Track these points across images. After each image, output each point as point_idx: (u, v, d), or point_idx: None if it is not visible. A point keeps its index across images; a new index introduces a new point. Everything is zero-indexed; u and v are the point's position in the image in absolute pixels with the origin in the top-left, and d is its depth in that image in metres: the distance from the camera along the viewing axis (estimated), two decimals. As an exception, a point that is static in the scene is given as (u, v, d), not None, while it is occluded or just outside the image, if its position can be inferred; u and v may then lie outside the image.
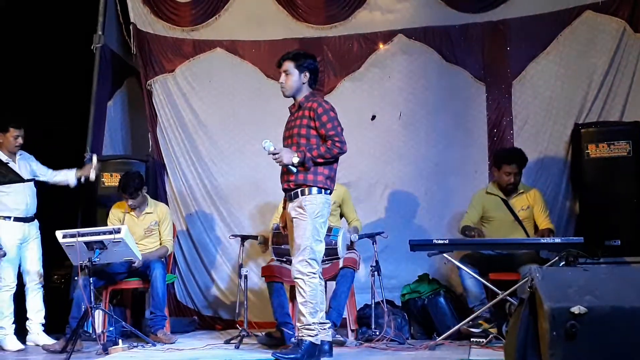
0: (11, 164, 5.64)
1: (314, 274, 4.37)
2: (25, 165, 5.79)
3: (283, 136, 4.64)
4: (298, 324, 4.45)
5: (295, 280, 4.40)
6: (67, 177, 5.92)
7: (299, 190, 4.44)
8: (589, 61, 6.25)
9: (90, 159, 5.99)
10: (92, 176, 5.90)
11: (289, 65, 4.55)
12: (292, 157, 4.39)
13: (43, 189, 5.88)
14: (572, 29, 6.32)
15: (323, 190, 4.45)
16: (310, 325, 4.32)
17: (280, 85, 4.59)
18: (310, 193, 4.41)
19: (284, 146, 4.55)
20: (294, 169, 4.41)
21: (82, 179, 5.96)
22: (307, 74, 4.56)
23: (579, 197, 6.06)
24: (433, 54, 6.60)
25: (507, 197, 5.57)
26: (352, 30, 6.79)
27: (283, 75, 4.57)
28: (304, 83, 4.56)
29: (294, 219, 4.44)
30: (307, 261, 4.35)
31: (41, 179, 5.86)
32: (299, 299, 4.39)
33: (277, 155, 4.41)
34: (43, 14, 6.73)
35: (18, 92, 6.40)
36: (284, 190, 4.57)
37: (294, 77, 4.54)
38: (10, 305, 5.56)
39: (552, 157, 6.29)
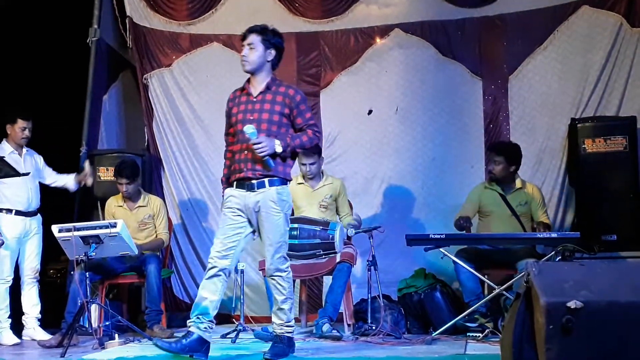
0: (14, 157, 5.63)
1: (289, 269, 4.29)
2: (31, 160, 5.78)
3: (237, 119, 4.20)
4: (277, 321, 4.29)
5: (273, 277, 4.22)
6: (67, 181, 5.95)
7: (265, 180, 4.13)
8: (586, 56, 6.27)
9: (84, 162, 6.00)
10: (89, 182, 6.01)
11: (254, 38, 4.17)
12: (275, 146, 4.08)
13: (40, 183, 5.87)
14: (568, 24, 6.33)
15: (287, 182, 4.27)
16: (290, 321, 4.29)
17: (242, 59, 4.19)
18: (279, 184, 4.16)
19: (242, 133, 4.15)
20: (271, 162, 4.10)
21: (82, 184, 6.03)
22: (273, 52, 4.20)
23: (576, 192, 6.08)
24: (430, 49, 6.61)
25: (505, 192, 5.57)
26: (349, 24, 6.78)
27: (246, 48, 4.17)
28: (268, 61, 4.20)
29: (263, 215, 4.13)
30: (284, 257, 4.22)
31: (44, 181, 5.87)
32: (278, 296, 4.24)
33: (261, 146, 4.03)
34: (38, 8, 6.70)
35: (12, 86, 6.37)
36: (244, 179, 4.15)
37: (258, 51, 4.16)
38: (6, 299, 5.55)
39: (548, 152, 6.31)
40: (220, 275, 4.13)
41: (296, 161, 5.77)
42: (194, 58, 7.00)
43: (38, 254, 5.75)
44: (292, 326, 4.32)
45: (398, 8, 6.73)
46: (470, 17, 6.55)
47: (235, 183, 4.19)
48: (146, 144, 7.04)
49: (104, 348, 4.89)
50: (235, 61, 6.82)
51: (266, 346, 4.82)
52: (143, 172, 6.32)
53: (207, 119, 6.91)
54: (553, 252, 4.76)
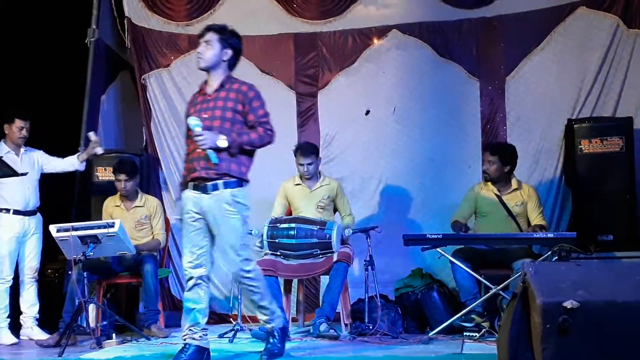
0: (11, 157, 5.63)
1: (255, 267, 4.22)
2: (29, 160, 5.78)
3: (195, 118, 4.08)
4: (263, 318, 4.28)
5: (243, 281, 4.13)
6: (72, 162, 5.89)
7: (219, 182, 4.02)
8: (583, 57, 6.28)
9: (88, 139, 5.89)
10: (100, 150, 5.79)
11: (211, 36, 4.13)
12: (218, 140, 3.96)
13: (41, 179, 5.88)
14: (565, 25, 6.34)
15: (244, 183, 4.12)
16: (275, 312, 4.26)
17: (197, 55, 4.17)
18: (235, 186, 4.04)
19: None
20: (214, 156, 3.97)
21: (90, 158, 5.93)
22: (230, 52, 4.15)
23: (572, 193, 6.09)
24: (427, 50, 6.62)
25: (501, 192, 5.58)
26: (347, 25, 6.79)
27: (203, 45, 4.13)
28: (224, 60, 4.15)
29: (219, 218, 4.02)
30: (247, 259, 4.11)
31: (47, 170, 5.85)
32: (253, 296, 4.18)
33: (201, 137, 3.93)
34: (36, 8, 6.70)
35: (10, 86, 6.37)
36: (198, 179, 4.05)
37: (214, 50, 4.11)
38: (5, 299, 5.56)
39: (545, 152, 6.32)
40: (200, 283, 4.08)
41: (295, 162, 5.84)
42: (192, 59, 6.95)
43: (37, 253, 5.75)
44: (280, 316, 4.30)
45: (396, 9, 6.74)
46: (467, 18, 6.56)
47: (190, 184, 4.10)
48: (144, 144, 7.04)
49: (101, 347, 4.90)
50: (233, 62, 6.90)
51: (263, 345, 4.84)
52: (141, 172, 6.33)
53: (205, 119, 6.90)
54: (549, 252, 4.77)
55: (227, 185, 4.02)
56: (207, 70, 4.18)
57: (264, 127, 4.10)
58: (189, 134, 4.15)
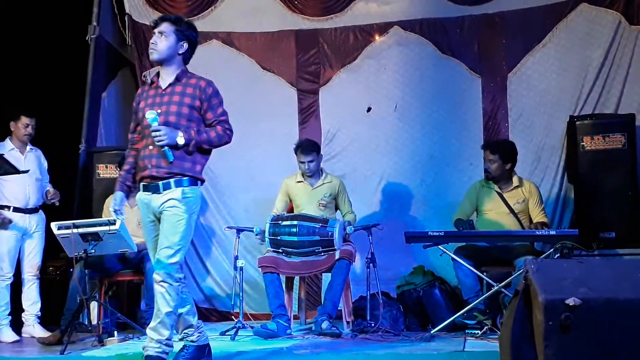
0: (15, 154, 5.63)
1: (183, 280, 3.85)
2: (34, 158, 5.78)
3: (144, 114, 3.85)
4: (156, 337, 3.76)
5: (160, 284, 3.73)
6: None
7: (171, 180, 3.80)
8: (585, 54, 6.28)
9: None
10: (56, 203, 5.79)
11: (167, 27, 3.89)
12: (177, 137, 3.76)
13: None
14: (567, 22, 6.34)
15: (199, 182, 3.92)
16: (171, 339, 3.82)
17: (151, 46, 3.89)
18: (188, 184, 3.83)
19: (149, 128, 3.82)
20: (171, 154, 3.77)
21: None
22: (185, 45, 3.94)
23: (574, 190, 6.08)
24: (429, 46, 6.61)
25: (502, 190, 5.57)
26: (348, 22, 6.79)
27: (157, 35, 3.88)
28: (179, 53, 3.93)
29: (164, 214, 3.80)
30: (180, 264, 3.78)
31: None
32: (163, 307, 3.73)
33: (159, 133, 3.72)
34: (37, 6, 6.68)
35: (12, 84, 6.36)
36: (147, 178, 3.85)
37: (169, 42, 3.87)
38: (6, 296, 5.55)
39: (547, 149, 6.32)
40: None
41: (296, 159, 5.84)
42: (193, 56, 6.96)
43: (39, 251, 5.75)
44: (172, 346, 3.85)
45: (397, 5, 6.74)
46: (469, 14, 6.56)
47: (142, 185, 3.90)
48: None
49: (103, 345, 4.90)
50: (235, 58, 6.91)
51: (265, 343, 4.85)
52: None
53: (205, 117, 6.89)
54: (551, 250, 4.76)
55: (179, 184, 3.81)
56: (161, 62, 3.93)
57: (223, 127, 3.92)
58: (138, 129, 3.99)
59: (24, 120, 5.70)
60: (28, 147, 5.78)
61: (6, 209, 5.60)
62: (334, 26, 6.80)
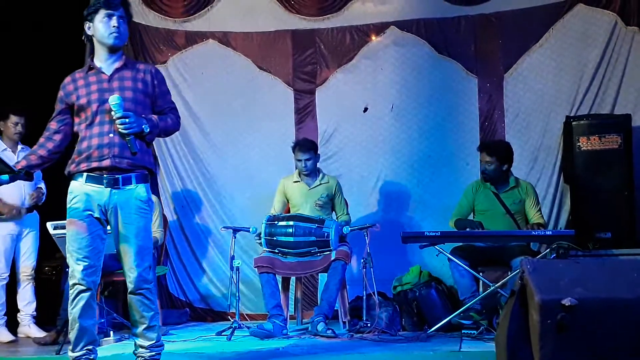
0: (7, 154, 5.61)
1: (154, 279, 3.75)
2: None
3: (90, 99, 3.56)
4: (147, 343, 3.64)
5: (140, 291, 3.56)
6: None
7: (132, 175, 3.56)
8: (581, 54, 6.29)
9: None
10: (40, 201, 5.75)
11: (125, 12, 3.70)
12: (143, 125, 3.52)
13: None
14: (564, 22, 6.35)
15: (150, 178, 3.69)
16: (160, 339, 3.72)
17: (114, 30, 3.58)
18: (147, 181, 3.63)
19: (101, 114, 3.54)
20: (136, 143, 3.52)
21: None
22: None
23: (570, 190, 6.09)
24: (425, 46, 6.61)
25: (498, 190, 5.57)
26: (345, 22, 6.78)
27: (120, 19, 3.61)
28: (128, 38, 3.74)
29: (126, 214, 3.54)
30: (150, 265, 3.61)
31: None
32: (147, 312, 3.58)
33: (127, 120, 3.45)
34: (33, 4, 6.66)
35: (5, 83, 6.34)
36: (102, 169, 3.51)
37: (126, 26, 3.69)
38: (2, 296, 5.55)
39: (543, 149, 6.33)
40: (94, 294, 3.60)
41: (293, 158, 5.84)
42: (190, 55, 6.99)
43: (34, 251, 5.74)
44: (163, 345, 3.74)
45: (394, 6, 6.73)
46: (465, 14, 6.56)
47: (85, 175, 3.53)
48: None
49: (99, 345, 4.87)
50: (231, 58, 6.91)
51: (262, 343, 4.85)
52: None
53: (202, 116, 6.90)
54: (548, 250, 4.77)
55: (139, 180, 3.58)
56: (117, 48, 3.66)
57: (175, 114, 3.74)
58: (81, 116, 3.59)
59: (13, 118, 5.68)
60: (20, 146, 5.75)
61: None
62: (331, 26, 6.80)
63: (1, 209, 5.55)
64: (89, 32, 3.66)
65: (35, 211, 5.77)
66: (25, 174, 3.55)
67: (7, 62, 6.39)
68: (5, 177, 3.46)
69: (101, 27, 3.60)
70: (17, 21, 6.61)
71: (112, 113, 3.50)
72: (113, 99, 3.48)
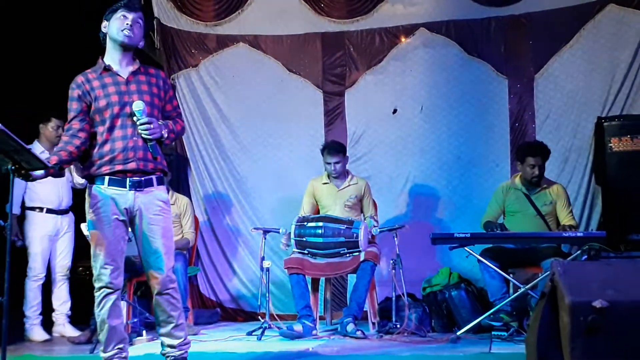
0: (45, 156, 5.68)
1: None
2: None
3: (109, 102, 3.55)
4: (175, 342, 3.66)
5: (167, 291, 3.61)
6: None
7: (153, 177, 3.63)
8: (613, 54, 6.23)
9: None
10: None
11: (142, 17, 3.69)
12: (163, 130, 3.60)
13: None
14: (595, 23, 6.29)
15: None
16: (187, 338, 3.73)
17: (128, 29, 3.59)
18: (165, 182, 3.72)
19: (122, 117, 3.56)
20: (158, 148, 3.61)
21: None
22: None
23: (602, 191, 6.04)
24: (455, 48, 6.60)
25: (529, 192, 5.55)
26: (374, 24, 6.79)
27: (136, 22, 3.63)
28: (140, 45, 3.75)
29: (150, 216, 3.60)
30: (173, 267, 3.70)
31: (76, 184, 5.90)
32: (174, 312, 3.63)
33: (151, 126, 3.51)
34: (68, 11, 6.76)
35: (42, 88, 6.45)
36: (126, 172, 3.55)
37: (142, 32, 3.70)
38: (38, 296, 5.65)
39: (574, 150, 6.28)
40: (119, 296, 3.64)
41: (322, 160, 5.87)
42: (221, 58, 7.05)
43: (69, 252, 5.84)
44: (189, 342, 3.76)
45: (423, 7, 6.73)
46: (495, 16, 6.53)
47: (107, 178, 3.55)
48: (173, 143, 7.10)
49: (132, 344, 4.94)
50: (261, 61, 6.96)
51: (291, 343, 4.88)
52: (171, 171, 6.39)
53: (233, 119, 6.96)
54: (579, 252, 4.74)
55: (159, 182, 3.66)
56: (128, 49, 3.66)
57: (181, 119, 3.77)
58: (96, 119, 3.58)
59: (55, 122, 5.78)
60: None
61: (38, 210, 5.70)
62: (360, 28, 6.81)
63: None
64: (104, 30, 3.67)
65: (70, 212, 5.87)
66: (59, 169, 3.58)
67: (49, 66, 6.49)
68: (40, 172, 3.51)
69: (115, 24, 3.62)
70: (55, 28, 6.71)
71: (134, 118, 3.54)
72: (138, 105, 3.52)
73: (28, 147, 3.41)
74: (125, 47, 3.64)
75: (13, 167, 3.42)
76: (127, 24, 3.59)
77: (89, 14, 6.71)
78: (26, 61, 6.59)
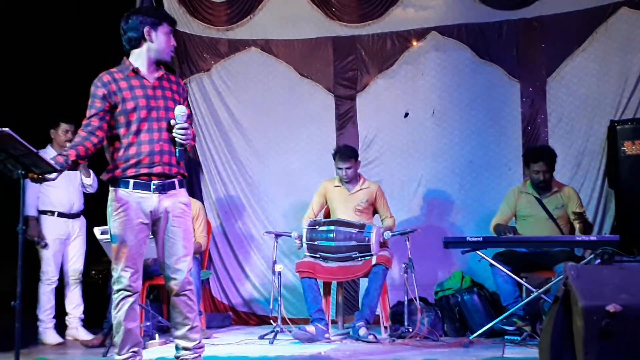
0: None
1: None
2: None
3: (138, 105, 3.57)
4: (190, 345, 3.69)
5: (184, 293, 3.66)
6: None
7: (176, 181, 3.67)
8: (625, 58, 6.21)
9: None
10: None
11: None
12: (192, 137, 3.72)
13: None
14: (607, 26, 6.27)
15: None
16: (201, 342, 3.75)
17: (173, 49, 3.78)
18: (185, 185, 3.76)
19: (149, 121, 3.59)
20: (183, 153, 3.67)
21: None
22: None
23: (615, 195, 6.02)
24: (467, 51, 6.60)
25: (541, 195, 5.53)
26: (386, 28, 6.79)
27: (172, 37, 3.75)
28: None
29: (174, 219, 3.64)
30: (191, 269, 3.74)
31: (85, 185, 5.94)
32: (190, 313, 3.68)
33: (188, 132, 3.61)
34: (79, 17, 6.81)
35: (53, 94, 6.49)
36: (151, 175, 3.58)
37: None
38: (51, 300, 5.68)
39: (587, 154, 6.26)
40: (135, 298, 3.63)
41: (334, 165, 5.88)
42: (233, 63, 7.08)
43: (81, 255, 5.88)
44: (204, 346, 3.80)
45: (435, 11, 6.73)
46: (507, 19, 6.52)
47: (132, 182, 3.56)
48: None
49: (144, 348, 4.94)
50: (273, 65, 6.98)
51: (303, 347, 4.89)
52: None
53: (245, 123, 6.98)
54: (592, 255, 4.72)
55: (181, 185, 3.71)
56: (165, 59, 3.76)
57: (191, 126, 3.76)
58: (120, 120, 3.57)
59: (64, 126, 5.82)
60: None
61: (49, 214, 5.73)
62: (372, 32, 6.82)
63: (32, 233, 5.65)
64: (147, 37, 3.66)
65: (82, 216, 5.90)
66: (73, 163, 3.55)
67: (58, 71, 6.53)
68: (52, 174, 3.53)
69: (164, 41, 3.69)
70: (64, 33, 6.76)
71: (172, 122, 3.59)
72: (180, 109, 3.60)
73: (38, 151, 3.42)
74: (163, 61, 3.74)
75: (23, 172, 3.45)
76: (174, 45, 3.74)
77: (99, 22, 6.82)
78: (39, 67, 6.63)
